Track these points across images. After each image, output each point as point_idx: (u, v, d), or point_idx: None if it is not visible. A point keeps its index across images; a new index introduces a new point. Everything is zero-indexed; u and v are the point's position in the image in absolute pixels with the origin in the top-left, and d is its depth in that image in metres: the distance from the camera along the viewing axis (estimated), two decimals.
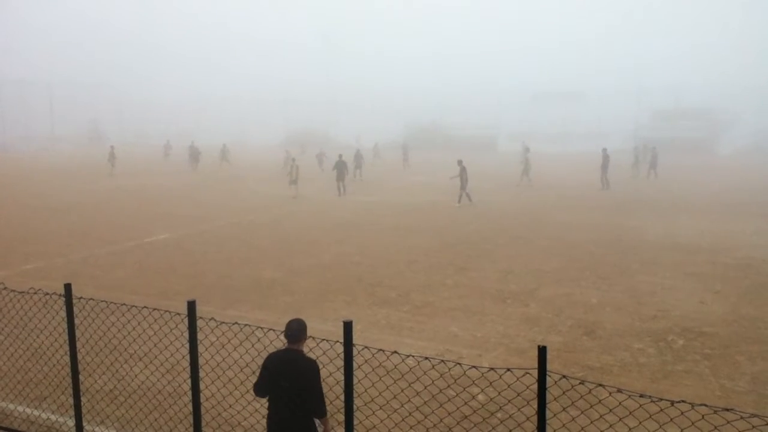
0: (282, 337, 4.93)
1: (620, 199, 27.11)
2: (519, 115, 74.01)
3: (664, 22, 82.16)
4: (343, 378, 4.56)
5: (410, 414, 5.89)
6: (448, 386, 5.95)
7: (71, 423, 6.11)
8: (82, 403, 5.60)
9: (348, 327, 4.53)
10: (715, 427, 4.10)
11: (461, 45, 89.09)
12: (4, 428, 6.07)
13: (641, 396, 4.01)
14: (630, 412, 4.70)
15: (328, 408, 6.29)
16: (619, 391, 4.08)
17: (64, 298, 5.53)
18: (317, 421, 4.89)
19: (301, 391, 4.74)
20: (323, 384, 4.86)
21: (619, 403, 4.48)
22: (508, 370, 4.45)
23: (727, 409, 3.76)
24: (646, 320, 10.64)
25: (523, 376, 4.68)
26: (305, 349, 4.99)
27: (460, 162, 25.90)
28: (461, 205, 24.94)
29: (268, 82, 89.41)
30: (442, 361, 4.97)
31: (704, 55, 72.58)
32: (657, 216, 22.28)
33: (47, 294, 5.73)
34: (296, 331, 4.85)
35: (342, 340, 4.50)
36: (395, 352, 4.82)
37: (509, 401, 5.63)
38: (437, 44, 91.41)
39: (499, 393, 5.69)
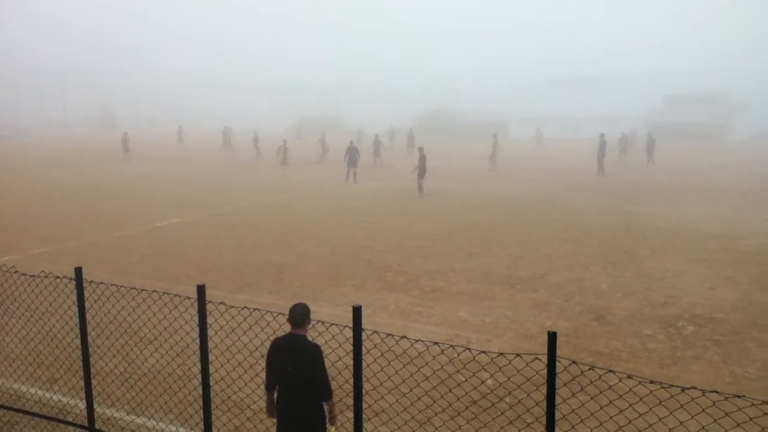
0: None
1: (626, 185, 26.94)
2: (530, 101, 73.66)
3: (675, 5, 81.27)
4: (351, 362, 4.56)
5: (419, 398, 5.89)
6: (457, 371, 5.94)
7: (82, 405, 6.16)
8: (93, 386, 5.64)
9: (357, 311, 4.52)
10: (726, 414, 4.08)
11: (471, 30, 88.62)
12: (17, 410, 6.13)
13: (651, 382, 3.98)
14: (640, 398, 4.68)
15: (337, 392, 6.32)
16: (629, 377, 4.06)
17: (74, 282, 5.55)
18: (324, 405, 4.91)
19: (307, 375, 4.78)
20: (332, 368, 4.88)
21: (629, 389, 4.45)
22: (518, 355, 4.42)
23: (738, 396, 3.73)
24: (656, 306, 10.59)
25: (533, 361, 4.65)
26: (310, 334, 4.99)
27: (420, 149, 24.64)
28: (423, 195, 23.63)
29: (279, 67, 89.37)
30: (451, 346, 4.94)
31: (717, 39, 71.80)
32: (666, 202, 22.13)
33: (58, 278, 5.75)
34: (300, 315, 4.88)
35: (351, 325, 4.49)
36: (404, 336, 4.80)
37: (518, 386, 5.62)
38: (447, 29, 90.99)
39: (509, 378, 5.67)
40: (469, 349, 4.85)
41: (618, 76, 72.71)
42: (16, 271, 6.17)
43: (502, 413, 6.16)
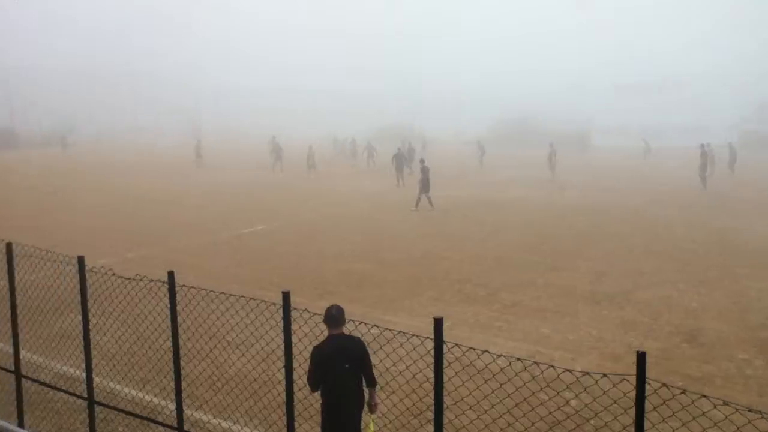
0: (374, 331, 4.97)
1: (713, 198, 25.61)
2: (612, 109, 71.31)
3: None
4: (431, 375, 4.55)
5: (501, 416, 5.79)
6: (541, 389, 5.80)
7: (172, 407, 6.40)
8: (182, 388, 5.85)
9: (439, 323, 4.51)
10: None
11: (551, 36, 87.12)
12: (112, 407, 6.44)
13: (750, 410, 3.76)
14: (738, 428, 4.43)
15: (417, 405, 6.33)
16: (726, 403, 3.85)
17: (167, 286, 5.78)
18: (367, 391, 5.42)
19: (359, 367, 5.31)
20: (413, 380, 4.89)
21: (725, 417, 4.23)
22: (605, 375, 4.29)
23: None
24: (753, 328, 10.02)
25: (620, 382, 4.49)
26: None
27: (422, 161, 24.08)
28: (418, 210, 22.54)
29: (356, 76, 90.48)
30: (535, 362, 4.84)
31: None
32: (757, 216, 20.88)
33: (152, 281, 5.99)
34: (339, 316, 5.33)
35: (431, 337, 4.48)
36: (486, 351, 4.73)
37: (605, 408, 5.44)
38: (526, 36, 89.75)
39: (595, 399, 5.49)
40: (553, 366, 4.73)
41: (706, 82, 69.69)
42: (113, 274, 6.48)
43: None
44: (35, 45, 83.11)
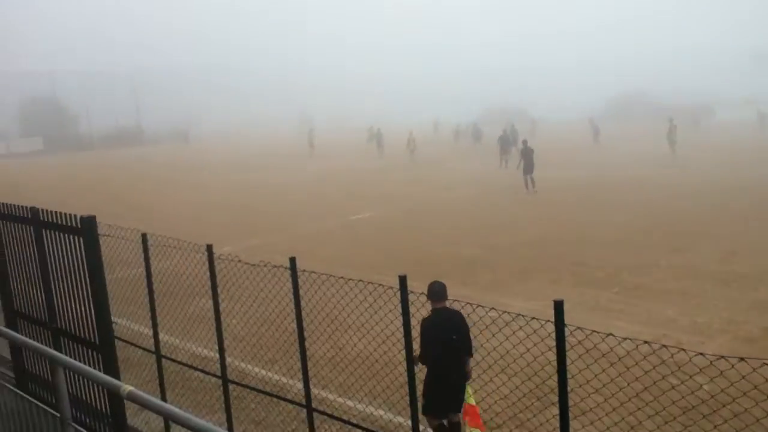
0: (495, 310, 4.95)
1: None
2: (745, 80, 66.05)
3: None
4: (553, 358, 4.50)
5: (629, 399, 5.62)
6: (671, 373, 5.55)
7: (299, 386, 6.69)
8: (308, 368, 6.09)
9: (559, 306, 4.44)
10: None
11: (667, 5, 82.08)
12: (244, 385, 6.82)
13: None
14: None
15: (540, 387, 6.29)
16: None
17: (290, 271, 6.03)
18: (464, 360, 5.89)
19: (463, 337, 5.80)
20: (535, 363, 4.87)
21: None
22: (742, 359, 4.05)
23: None
24: None
25: (760, 367, 4.23)
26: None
27: (524, 142, 24.21)
28: (530, 191, 22.57)
29: (459, 58, 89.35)
30: (664, 346, 4.64)
31: None
32: None
33: (275, 266, 6.26)
34: (441, 290, 5.80)
35: (552, 320, 4.42)
36: (610, 334, 4.59)
37: (744, 393, 5.13)
38: (641, 6, 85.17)
39: (732, 384, 5.19)
40: (684, 350, 4.53)
41: None
42: (239, 260, 6.82)
43: (725, 421, 5.68)
44: (155, 47, 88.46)
